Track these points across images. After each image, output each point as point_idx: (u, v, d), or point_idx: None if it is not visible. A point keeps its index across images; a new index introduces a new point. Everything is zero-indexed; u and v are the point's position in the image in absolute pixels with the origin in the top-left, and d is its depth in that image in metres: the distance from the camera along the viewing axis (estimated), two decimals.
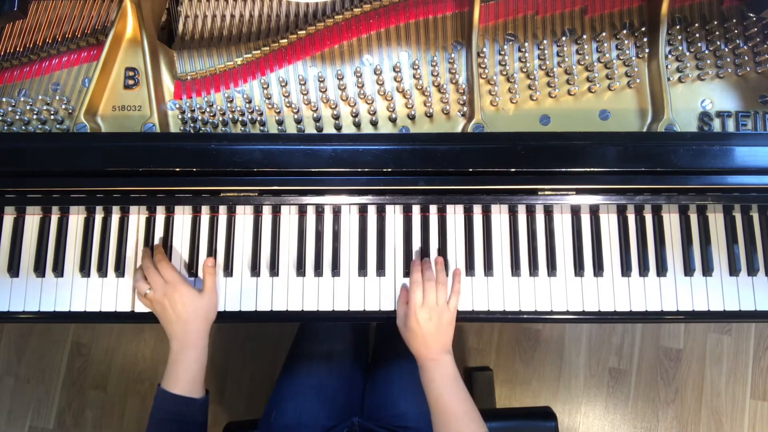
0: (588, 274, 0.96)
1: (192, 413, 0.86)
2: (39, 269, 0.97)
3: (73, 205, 0.96)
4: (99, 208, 0.98)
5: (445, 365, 0.87)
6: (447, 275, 0.95)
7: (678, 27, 0.99)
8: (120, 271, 0.97)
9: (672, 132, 0.94)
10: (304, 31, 1.00)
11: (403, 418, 1.03)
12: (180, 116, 0.99)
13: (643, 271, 0.96)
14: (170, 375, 0.87)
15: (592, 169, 0.86)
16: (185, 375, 0.87)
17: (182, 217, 0.99)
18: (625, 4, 1.01)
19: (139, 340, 1.88)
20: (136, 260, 0.98)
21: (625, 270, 0.96)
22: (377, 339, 1.32)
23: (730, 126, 0.98)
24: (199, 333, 0.90)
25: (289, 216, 0.99)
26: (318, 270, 0.97)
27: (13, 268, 0.97)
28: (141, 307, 0.97)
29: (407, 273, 0.96)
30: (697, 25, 0.98)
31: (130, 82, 1.00)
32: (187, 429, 0.85)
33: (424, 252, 0.97)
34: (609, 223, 0.98)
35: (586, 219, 0.98)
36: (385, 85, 1.00)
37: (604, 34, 0.99)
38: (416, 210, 0.98)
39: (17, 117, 0.98)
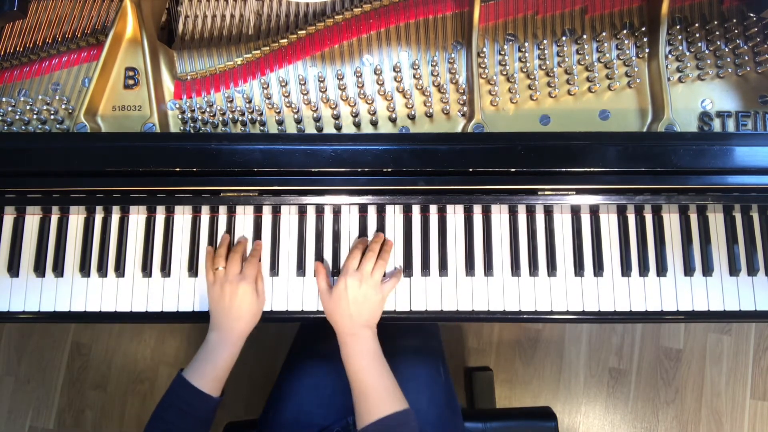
0: (588, 274, 0.96)
1: (204, 410, 0.85)
2: (39, 269, 0.97)
3: (73, 205, 0.96)
4: (99, 208, 0.98)
5: (366, 340, 0.86)
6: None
7: (678, 27, 0.99)
8: (120, 271, 0.97)
9: (672, 132, 0.94)
10: (304, 31, 1.00)
11: None
12: (180, 116, 0.99)
13: (643, 271, 0.96)
14: (197, 368, 0.86)
15: (592, 169, 0.86)
16: (212, 373, 0.85)
17: (182, 217, 0.99)
18: (625, 4, 1.01)
19: (139, 340, 1.88)
20: (136, 260, 0.98)
21: (625, 270, 0.96)
22: None
23: (730, 126, 0.98)
24: (241, 335, 0.89)
25: (289, 216, 0.99)
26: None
27: (13, 268, 0.97)
28: (140, 307, 0.97)
29: (407, 273, 0.96)
30: (697, 25, 0.98)
31: (130, 82, 1.00)
32: (195, 423, 0.84)
33: (425, 252, 0.97)
34: (609, 223, 0.98)
35: (586, 219, 0.98)
36: (385, 85, 1.00)
37: (604, 34, 0.99)
38: (416, 210, 0.98)
39: (17, 117, 0.98)
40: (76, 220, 0.99)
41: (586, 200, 0.92)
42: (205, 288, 0.97)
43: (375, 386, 0.83)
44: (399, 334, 1.04)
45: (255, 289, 0.90)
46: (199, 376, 0.85)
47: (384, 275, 0.93)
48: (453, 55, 1.00)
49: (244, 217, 0.99)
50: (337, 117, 0.99)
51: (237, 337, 0.88)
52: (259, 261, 0.95)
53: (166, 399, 0.84)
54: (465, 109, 0.99)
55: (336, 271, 0.97)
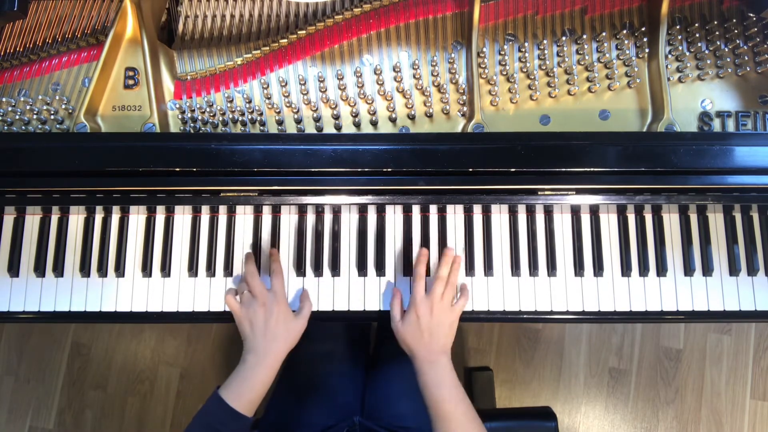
0: (588, 274, 0.96)
1: (237, 429, 0.82)
2: (39, 269, 0.97)
3: (73, 205, 0.96)
4: (99, 208, 0.98)
5: (444, 368, 0.85)
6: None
7: (678, 27, 0.99)
8: (120, 271, 0.97)
9: (672, 132, 0.94)
10: (304, 31, 1.00)
11: (403, 418, 1.03)
12: (180, 116, 0.99)
13: (643, 271, 0.96)
14: (234, 388, 0.83)
15: (592, 169, 0.86)
16: (249, 395, 0.83)
17: (182, 217, 0.99)
18: (625, 4, 1.01)
19: (139, 340, 1.88)
20: (136, 260, 0.98)
21: (625, 270, 0.96)
22: (378, 339, 1.32)
23: (730, 126, 0.98)
24: (278, 356, 0.86)
25: (288, 216, 0.99)
26: (318, 270, 0.97)
27: (13, 268, 0.97)
28: (140, 307, 0.97)
29: (407, 273, 0.96)
30: (697, 25, 0.98)
31: (130, 82, 1.00)
32: None
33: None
34: (609, 223, 0.98)
35: (586, 219, 0.98)
36: (385, 85, 1.00)
37: (604, 34, 0.99)
38: (416, 210, 0.98)
39: (17, 117, 0.98)
40: (76, 220, 0.99)
41: (586, 200, 0.92)
42: (205, 288, 0.97)
43: (455, 414, 0.82)
44: None
45: (289, 309, 0.88)
46: (235, 396, 0.82)
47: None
48: (453, 55, 1.00)
49: (244, 217, 0.99)
50: (337, 117, 0.99)
51: (273, 360, 0.86)
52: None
53: (201, 416, 0.82)
54: (465, 109, 0.99)
55: (336, 272, 0.97)
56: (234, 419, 0.81)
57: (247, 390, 0.83)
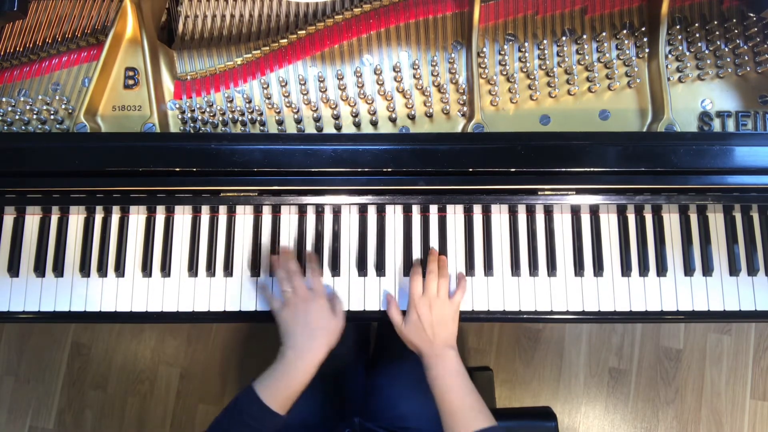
0: (588, 274, 0.96)
1: (269, 427, 0.82)
2: (39, 269, 0.97)
3: (73, 205, 0.96)
4: (99, 208, 0.98)
5: (449, 360, 0.86)
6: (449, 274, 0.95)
7: (678, 27, 0.99)
8: (120, 271, 0.97)
9: (672, 132, 0.94)
10: (304, 31, 1.00)
11: (404, 419, 1.03)
12: (180, 116, 0.99)
13: (643, 271, 0.96)
14: (270, 385, 0.83)
15: (592, 169, 0.86)
16: (284, 392, 0.83)
17: (182, 217, 0.99)
18: (625, 4, 1.01)
19: (139, 340, 1.88)
20: (136, 260, 0.98)
21: (625, 270, 0.96)
22: (378, 339, 1.32)
23: (730, 126, 0.98)
24: (317, 355, 0.85)
25: (289, 216, 0.99)
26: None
27: (13, 268, 0.97)
28: (140, 307, 0.97)
29: (407, 273, 0.96)
30: (697, 25, 0.98)
31: (130, 82, 1.00)
32: None
33: (425, 252, 0.97)
34: (609, 223, 0.98)
35: (586, 219, 0.98)
36: (385, 85, 1.00)
37: (604, 34, 0.99)
38: (416, 210, 0.98)
39: (17, 117, 0.98)
40: (76, 220, 0.99)
41: (586, 200, 0.92)
42: (205, 288, 0.97)
43: (462, 405, 0.82)
44: None
45: (329, 306, 0.88)
46: (270, 393, 0.82)
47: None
48: (453, 55, 1.00)
49: (244, 217, 0.99)
50: (337, 117, 0.99)
51: (312, 357, 0.84)
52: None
53: (233, 409, 0.82)
54: (465, 109, 0.99)
55: (336, 272, 0.97)
56: (267, 416, 0.80)
57: (283, 387, 0.82)
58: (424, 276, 0.92)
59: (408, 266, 0.96)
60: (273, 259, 0.96)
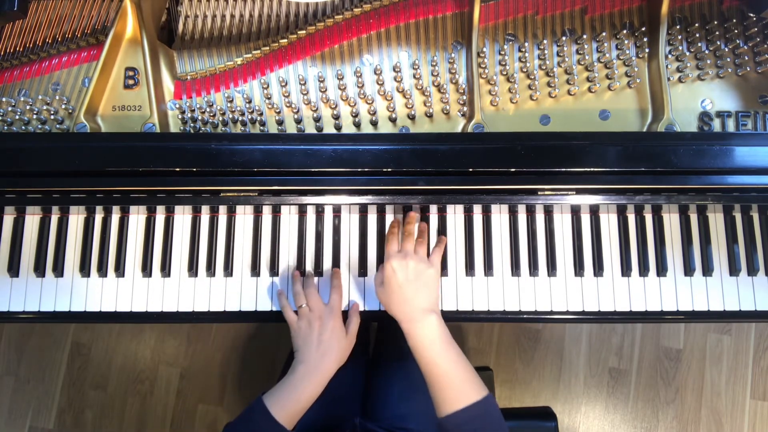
0: (588, 274, 0.96)
1: None
2: (39, 269, 0.97)
3: (73, 205, 0.96)
4: (99, 208, 0.98)
5: (431, 325, 0.80)
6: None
7: (678, 27, 0.99)
8: (120, 271, 0.97)
9: (672, 132, 0.94)
10: (304, 31, 1.00)
11: (404, 419, 1.03)
12: (180, 116, 0.99)
13: (643, 271, 0.96)
14: (280, 399, 0.83)
15: (592, 169, 0.86)
16: (293, 407, 0.82)
17: (182, 217, 0.99)
18: (625, 4, 1.01)
19: (139, 340, 1.88)
20: (136, 260, 0.98)
21: (625, 270, 0.96)
22: (378, 339, 1.32)
23: (730, 126, 0.98)
24: (327, 372, 0.86)
25: (289, 216, 0.99)
26: (318, 270, 0.97)
27: (13, 268, 0.97)
28: (140, 307, 0.97)
29: None
30: (697, 25, 0.98)
31: (130, 82, 1.00)
32: None
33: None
34: (609, 223, 0.98)
35: (586, 219, 0.98)
36: (385, 85, 1.00)
37: (604, 34, 0.99)
38: (416, 210, 0.98)
39: (17, 117, 0.98)
40: (76, 220, 0.99)
41: (586, 200, 0.92)
42: (205, 288, 0.97)
43: (450, 376, 0.78)
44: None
45: (344, 326, 0.89)
46: (280, 406, 0.82)
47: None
48: (453, 55, 1.00)
49: (244, 217, 0.99)
50: (337, 117, 0.99)
51: (322, 373, 0.85)
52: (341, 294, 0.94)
53: (242, 421, 0.82)
54: (465, 109, 0.99)
55: (335, 272, 0.97)
56: (273, 429, 0.80)
57: (292, 402, 0.82)
58: None
59: None
60: (296, 274, 0.96)
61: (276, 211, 0.99)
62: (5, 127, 0.98)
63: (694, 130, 0.97)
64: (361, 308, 0.96)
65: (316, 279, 0.97)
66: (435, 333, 0.81)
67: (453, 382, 0.79)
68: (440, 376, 0.79)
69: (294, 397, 0.83)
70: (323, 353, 0.86)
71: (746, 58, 0.98)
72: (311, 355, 0.86)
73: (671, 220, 0.98)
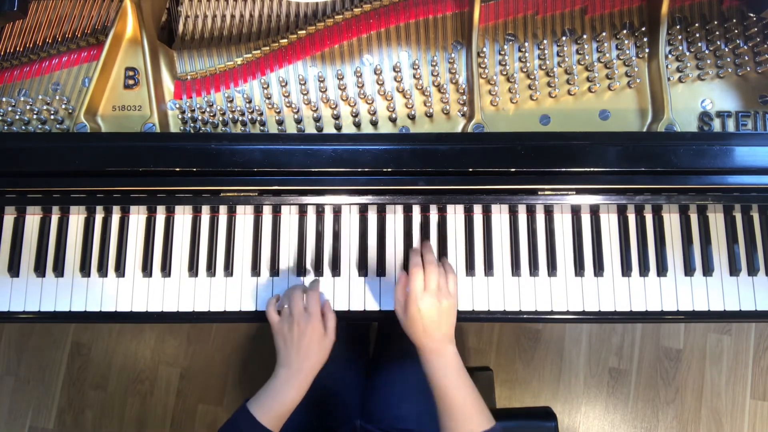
0: (588, 274, 0.96)
1: None
2: (39, 269, 0.97)
3: (73, 205, 0.96)
4: (99, 208, 0.98)
5: (448, 355, 0.84)
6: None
7: (678, 27, 0.99)
8: (120, 271, 0.97)
9: (672, 132, 0.94)
10: (304, 31, 1.00)
11: (404, 421, 1.03)
12: (180, 116, 0.99)
13: (644, 271, 0.96)
14: (264, 403, 0.84)
15: (592, 169, 0.86)
16: (277, 410, 0.84)
17: (182, 217, 0.99)
18: (625, 4, 1.01)
19: (139, 340, 1.88)
20: (136, 260, 0.98)
21: (626, 270, 0.96)
22: (378, 340, 1.32)
23: (730, 126, 0.98)
24: (309, 374, 0.87)
25: (289, 216, 0.99)
26: (318, 270, 0.97)
27: (14, 268, 0.97)
28: (140, 307, 0.97)
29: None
30: (697, 25, 0.98)
31: (130, 82, 1.00)
32: None
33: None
34: (609, 223, 0.98)
35: (586, 219, 0.98)
36: (385, 85, 1.00)
37: (604, 34, 0.99)
38: (416, 210, 0.98)
39: (17, 117, 0.98)
40: (77, 220, 0.99)
41: (586, 200, 0.92)
42: (205, 288, 0.97)
43: (461, 403, 0.82)
44: (406, 336, 1.05)
45: (322, 327, 0.89)
46: (263, 411, 0.83)
47: None
48: (453, 55, 1.00)
49: (244, 217, 0.99)
50: (337, 117, 0.99)
51: (305, 376, 0.87)
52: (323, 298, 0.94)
53: (227, 429, 0.83)
54: (465, 109, 0.99)
55: (337, 272, 0.97)
56: None
57: (276, 405, 0.84)
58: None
59: (408, 266, 0.96)
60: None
61: (276, 211, 0.99)
62: (5, 127, 0.98)
63: (694, 130, 0.97)
64: (362, 308, 0.96)
65: (317, 279, 0.97)
66: (451, 363, 0.84)
67: (465, 410, 0.82)
68: (452, 404, 0.82)
69: (278, 399, 0.84)
70: (304, 357, 0.87)
71: (746, 58, 0.98)
72: (293, 359, 0.87)
73: (671, 220, 0.98)
